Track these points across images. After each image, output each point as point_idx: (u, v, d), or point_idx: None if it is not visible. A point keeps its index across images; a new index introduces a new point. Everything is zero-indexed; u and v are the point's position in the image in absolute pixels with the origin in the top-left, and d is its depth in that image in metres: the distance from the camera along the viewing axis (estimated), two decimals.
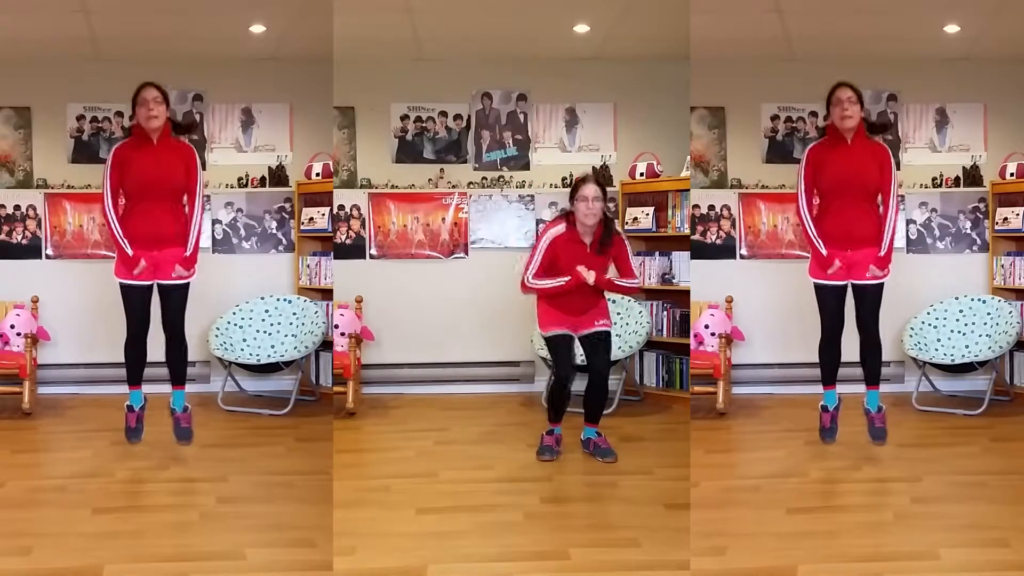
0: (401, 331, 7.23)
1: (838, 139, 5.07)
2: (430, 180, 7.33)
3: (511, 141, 7.37)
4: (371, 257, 7.32)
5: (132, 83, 7.14)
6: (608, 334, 5.36)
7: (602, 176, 7.24)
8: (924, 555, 3.91)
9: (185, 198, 5.18)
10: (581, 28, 6.80)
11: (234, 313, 7.00)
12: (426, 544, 4.06)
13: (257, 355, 6.80)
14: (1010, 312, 6.72)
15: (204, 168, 7.33)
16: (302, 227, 7.17)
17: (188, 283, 5.18)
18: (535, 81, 7.36)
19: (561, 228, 5.26)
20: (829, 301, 5.11)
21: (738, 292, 7.03)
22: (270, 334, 6.94)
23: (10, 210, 7.19)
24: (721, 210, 7.23)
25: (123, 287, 5.11)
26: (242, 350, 6.85)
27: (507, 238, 7.28)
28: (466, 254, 7.32)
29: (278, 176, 7.37)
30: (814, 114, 7.25)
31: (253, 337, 6.94)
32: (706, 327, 6.76)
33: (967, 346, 6.71)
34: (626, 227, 7.17)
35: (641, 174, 7.11)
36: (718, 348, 6.54)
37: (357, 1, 6.13)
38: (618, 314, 6.87)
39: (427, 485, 4.92)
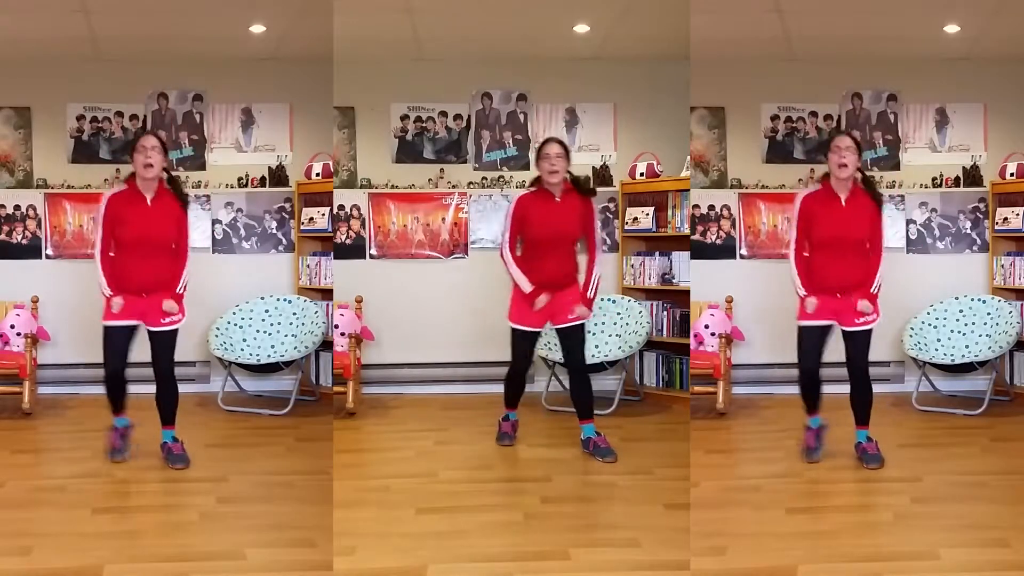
0: (401, 331, 7.24)
1: (832, 195, 5.08)
2: (430, 180, 7.34)
3: (511, 141, 7.37)
4: (371, 257, 7.32)
5: (132, 83, 7.24)
6: (583, 327, 5.43)
7: (599, 178, 7.25)
8: (924, 555, 3.91)
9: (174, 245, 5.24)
10: (581, 28, 6.80)
11: (234, 313, 7.01)
12: (426, 544, 4.06)
13: (257, 355, 6.80)
14: (1010, 312, 6.72)
15: (204, 168, 7.36)
16: (302, 227, 7.17)
17: (176, 328, 5.22)
18: (535, 81, 7.36)
19: (529, 190, 5.44)
20: (811, 340, 5.13)
21: (738, 292, 7.03)
22: (270, 334, 6.94)
23: (10, 210, 7.19)
24: (721, 210, 7.23)
25: (106, 329, 5.12)
26: (242, 350, 6.85)
27: None
28: (466, 254, 7.32)
29: (278, 176, 7.37)
30: (814, 114, 7.25)
31: (253, 337, 6.94)
32: (706, 327, 6.76)
33: (967, 346, 6.71)
34: (626, 227, 7.17)
35: (641, 174, 7.11)
36: (718, 348, 6.54)
37: (357, 1, 6.13)
38: (618, 314, 6.87)
39: (427, 485, 4.92)
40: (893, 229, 7.20)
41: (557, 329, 5.46)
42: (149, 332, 5.19)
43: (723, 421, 6.31)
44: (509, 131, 7.36)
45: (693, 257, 6.92)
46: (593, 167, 7.37)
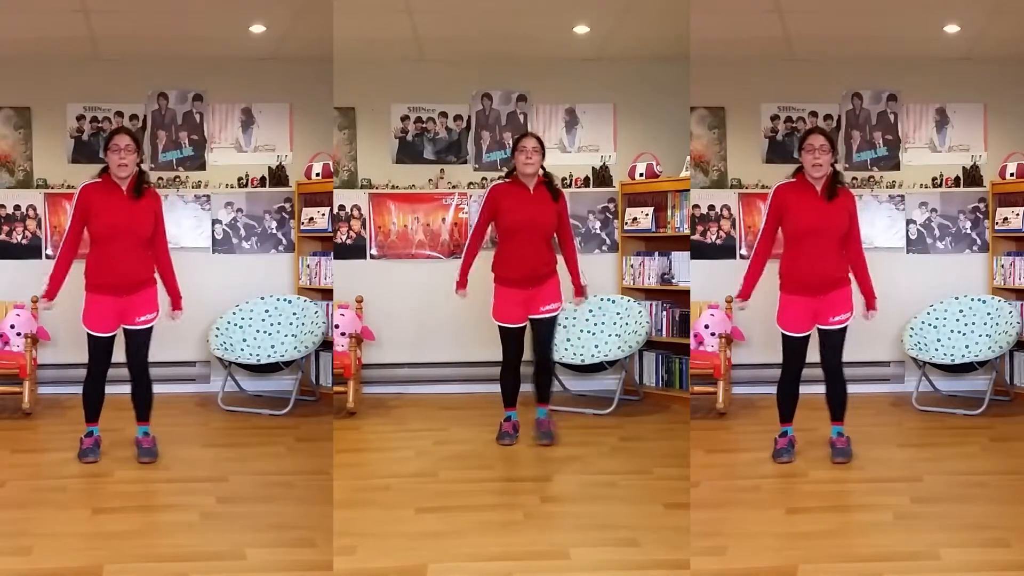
0: (401, 331, 7.23)
1: (807, 185, 5.12)
2: (430, 180, 7.33)
3: (511, 142, 7.36)
4: (371, 257, 7.32)
5: (132, 83, 7.24)
6: (555, 320, 5.70)
7: (604, 174, 7.25)
8: (924, 555, 3.91)
9: (153, 244, 5.29)
10: (581, 28, 6.80)
11: (234, 313, 7.00)
12: (426, 544, 4.06)
13: (257, 355, 6.80)
14: (1010, 312, 6.72)
15: (204, 168, 7.36)
16: (302, 227, 7.17)
17: (152, 326, 5.28)
18: (535, 81, 7.36)
19: (504, 180, 5.64)
20: (793, 348, 5.21)
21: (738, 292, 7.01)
22: (270, 334, 6.94)
23: (10, 210, 7.19)
24: (721, 210, 7.23)
25: (90, 335, 5.24)
26: (242, 350, 6.85)
27: None
28: None
29: (278, 176, 7.37)
30: (814, 114, 7.25)
31: (253, 337, 6.94)
32: (706, 327, 6.76)
33: (967, 346, 6.71)
34: (625, 227, 7.17)
35: (641, 174, 7.11)
36: (718, 348, 6.54)
37: (357, 1, 6.13)
38: (617, 314, 6.87)
39: (427, 485, 4.92)
40: (893, 229, 7.21)
41: (531, 319, 5.63)
42: (125, 330, 5.24)
43: (723, 421, 6.31)
44: (509, 132, 7.36)
45: (693, 257, 6.92)
46: (593, 167, 7.37)
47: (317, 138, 7.22)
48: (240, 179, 7.34)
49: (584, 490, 4.89)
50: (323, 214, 7.05)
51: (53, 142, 7.23)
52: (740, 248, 7.22)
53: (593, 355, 6.71)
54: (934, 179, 7.29)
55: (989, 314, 6.81)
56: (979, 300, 6.91)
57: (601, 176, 7.36)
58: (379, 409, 6.69)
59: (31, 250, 7.20)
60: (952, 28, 6.67)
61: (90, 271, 5.20)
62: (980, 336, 6.74)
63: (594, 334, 6.87)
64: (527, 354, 5.73)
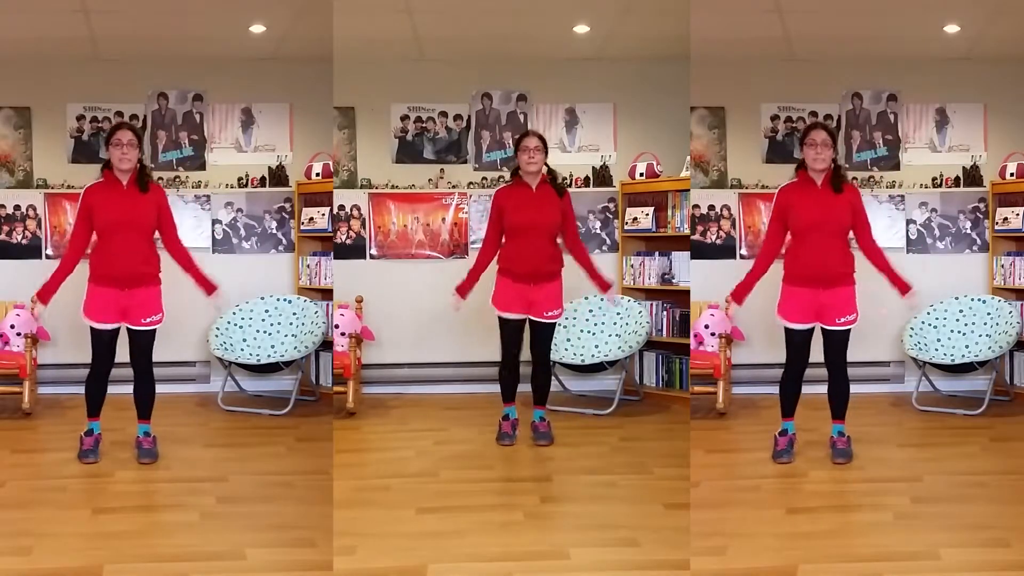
0: (401, 331, 7.23)
1: (809, 181, 5.15)
2: (430, 180, 7.33)
3: (511, 141, 7.37)
4: (371, 257, 7.32)
5: (132, 83, 7.24)
6: (554, 325, 5.71)
7: (604, 174, 7.26)
8: (924, 555, 3.91)
9: (163, 238, 5.31)
10: (581, 28, 6.80)
11: (234, 313, 7.00)
12: (426, 544, 4.06)
13: (257, 355, 6.80)
14: (1010, 312, 6.72)
15: (204, 168, 7.36)
16: (302, 227, 7.17)
17: (156, 329, 5.27)
18: (535, 81, 7.36)
19: (507, 184, 5.71)
20: (795, 341, 5.22)
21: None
22: (270, 334, 6.94)
23: (10, 210, 7.19)
24: (721, 210, 7.23)
25: (92, 329, 5.23)
26: (242, 350, 6.85)
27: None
28: (466, 254, 7.32)
29: (278, 176, 7.37)
30: (814, 114, 7.25)
31: (253, 337, 6.94)
32: (706, 327, 6.76)
33: (967, 346, 6.71)
34: (626, 227, 7.17)
35: (641, 174, 7.11)
36: (718, 348, 6.54)
37: (357, 1, 6.13)
38: (618, 314, 6.87)
39: (427, 485, 4.92)
40: (893, 229, 7.21)
41: (531, 321, 5.64)
42: (129, 330, 5.23)
43: (723, 421, 6.31)
44: (509, 131, 7.36)
45: (693, 257, 6.92)
46: (593, 167, 7.37)
47: (317, 138, 7.22)
48: (240, 179, 7.34)
49: (584, 490, 4.89)
50: (323, 214, 7.05)
51: (53, 142, 7.23)
52: (740, 248, 7.22)
53: (593, 355, 6.71)
54: (934, 179, 7.29)
55: (989, 314, 6.81)
56: (979, 300, 6.91)
57: (601, 176, 7.36)
58: (379, 409, 6.69)
59: (31, 250, 7.20)
60: (952, 28, 6.67)
61: (93, 263, 5.22)
62: (980, 336, 6.74)
63: (594, 334, 6.87)
64: (524, 354, 5.73)
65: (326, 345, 6.83)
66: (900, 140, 7.31)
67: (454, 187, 7.33)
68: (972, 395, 6.72)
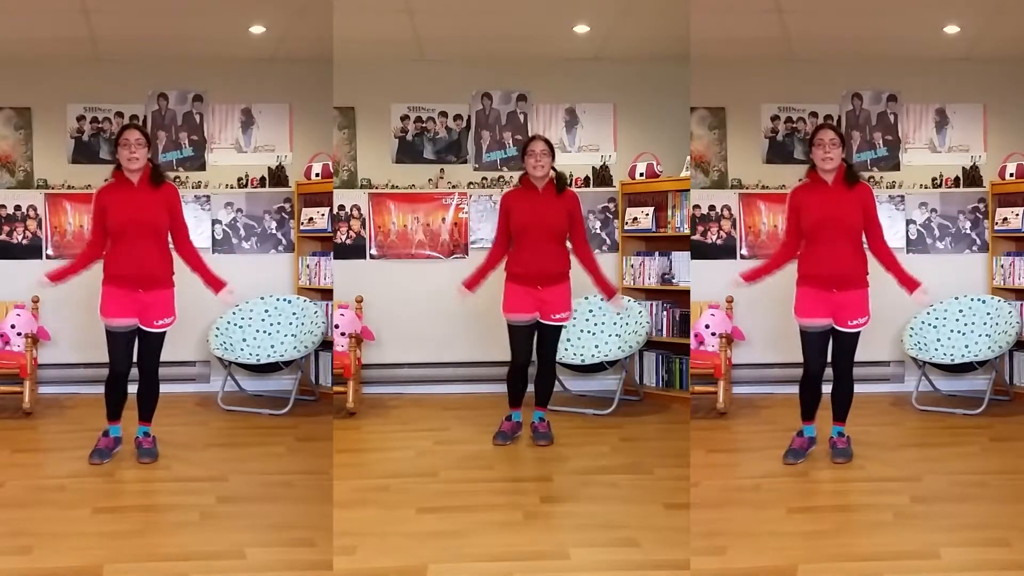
0: (401, 331, 7.23)
1: (819, 181, 5.15)
2: (430, 180, 7.34)
3: (511, 141, 7.37)
4: (371, 257, 7.32)
5: (132, 83, 7.24)
6: (561, 328, 5.73)
7: (604, 174, 7.26)
8: (924, 555, 3.91)
9: (173, 238, 5.29)
10: (581, 28, 6.80)
11: (234, 313, 7.00)
12: (426, 544, 4.06)
13: (257, 355, 6.80)
14: (1010, 312, 6.72)
15: (204, 168, 7.36)
16: (302, 227, 7.17)
17: (166, 331, 5.26)
18: (535, 81, 7.36)
19: (514, 187, 5.71)
20: (813, 345, 5.19)
21: (738, 292, 7.02)
22: (270, 334, 6.94)
23: (10, 210, 7.19)
24: (721, 210, 7.23)
25: (108, 330, 5.18)
26: (242, 350, 6.85)
27: None
28: (466, 254, 7.32)
29: (278, 176, 7.37)
30: (814, 114, 7.25)
31: (253, 337, 6.94)
32: (706, 327, 6.76)
33: (967, 346, 6.71)
34: (626, 227, 7.17)
35: (641, 174, 7.12)
36: (718, 348, 6.54)
37: (357, 1, 6.13)
38: (618, 314, 6.87)
39: (427, 485, 4.92)
40: (893, 229, 7.20)
41: (539, 323, 5.64)
42: (140, 331, 5.22)
43: (723, 421, 6.31)
44: (509, 131, 7.36)
45: (693, 257, 6.92)
46: (593, 167, 7.37)
47: (317, 138, 7.22)
48: (240, 179, 7.34)
49: (584, 490, 4.89)
50: (323, 214, 7.05)
51: (53, 142, 7.23)
52: (740, 248, 7.22)
53: (593, 355, 6.72)
54: (934, 179, 7.29)
55: (989, 314, 6.81)
56: (979, 300, 6.91)
57: (601, 176, 7.36)
58: (379, 409, 6.69)
59: (31, 250, 7.20)
60: (952, 28, 6.67)
61: (107, 264, 5.21)
62: (980, 336, 6.74)
63: (594, 334, 6.87)
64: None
65: (326, 345, 6.83)
66: (900, 140, 7.31)
67: (454, 187, 7.33)
68: (972, 395, 6.72)
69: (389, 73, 7.28)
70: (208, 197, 7.30)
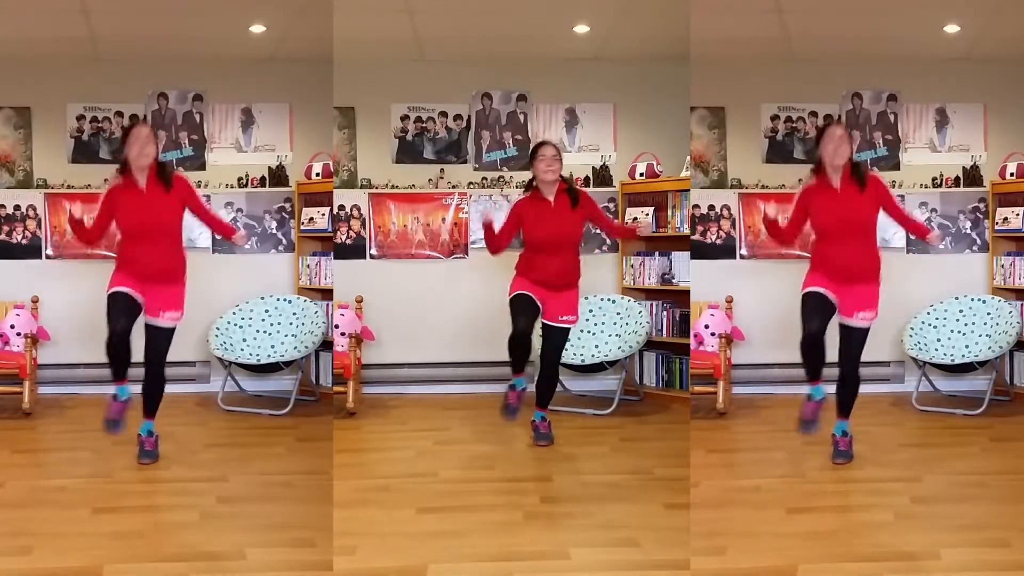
0: (401, 331, 7.23)
1: (826, 182, 5.10)
2: (430, 180, 7.34)
3: (511, 141, 7.37)
4: (371, 257, 7.32)
5: (132, 83, 7.24)
6: (568, 331, 5.65)
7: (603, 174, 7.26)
8: (924, 555, 3.91)
9: (205, 224, 5.38)
10: (581, 28, 6.80)
11: (234, 313, 7.01)
12: (426, 544, 4.06)
13: (257, 355, 6.80)
14: (1010, 312, 6.72)
15: (204, 168, 7.36)
16: (302, 227, 7.17)
17: (174, 328, 5.22)
18: (535, 81, 7.36)
19: (525, 195, 5.62)
20: (813, 304, 5.08)
21: (738, 292, 7.03)
22: (270, 334, 6.94)
23: (10, 210, 7.19)
24: (721, 210, 7.23)
25: (108, 296, 5.09)
26: (242, 350, 6.85)
27: None
28: (466, 254, 7.32)
29: (278, 176, 7.37)
30: (814, 114, 7.25)
31: (253, 337, 6.94)
32: (706, 327, 6.76)
33: (967, 346, 6.71)
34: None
35: (641, 174, 7.12)
36: (718, 348, 6.54)
37: (357, 1, 6.13)
38: (617, 314, 6.87)
39: (427, 485, 4.92)
40: (893, 229, 7.20)
41: (544, 324, 5.61)
42: (147, 326, 5.17)
43: (723, 421, 6.31)
44: (509, 131, 7.36)
45: (693, 257, 6.92)
46: (593, 167, 7.37)
47: (317, 138, 7.22)
48: (240, 179, 7.34)
49: (584, 490, 4.89)
50: (323, 214, 7.05)
51: (53, 142, 7.23)
52: (740, 248, 7.22)
53: (593, 355, 6.72)
54: (934, 179, 7.29)
55: (989, 314, 6.81)
56: (979, 300, 6.91)
57: (601, 176, 7.36)
58: (379, 409, 6.69)
59: (31, 250, 7.20)
60: (952, 28, 6.67)
61: (119, 259, 5.17)
62: (980, 336, 6.74)
63: (594, 334, 6.87)
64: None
65: (326, 345, 6.83)
66: (900, 140, 7.31)
67: (454, 187, 7.33)
68: (972, 395, 6.72)
69: (389, 73, 7.28)
70: (208, 197, 7.26)
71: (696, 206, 7.16)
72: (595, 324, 6.91)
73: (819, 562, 3.85)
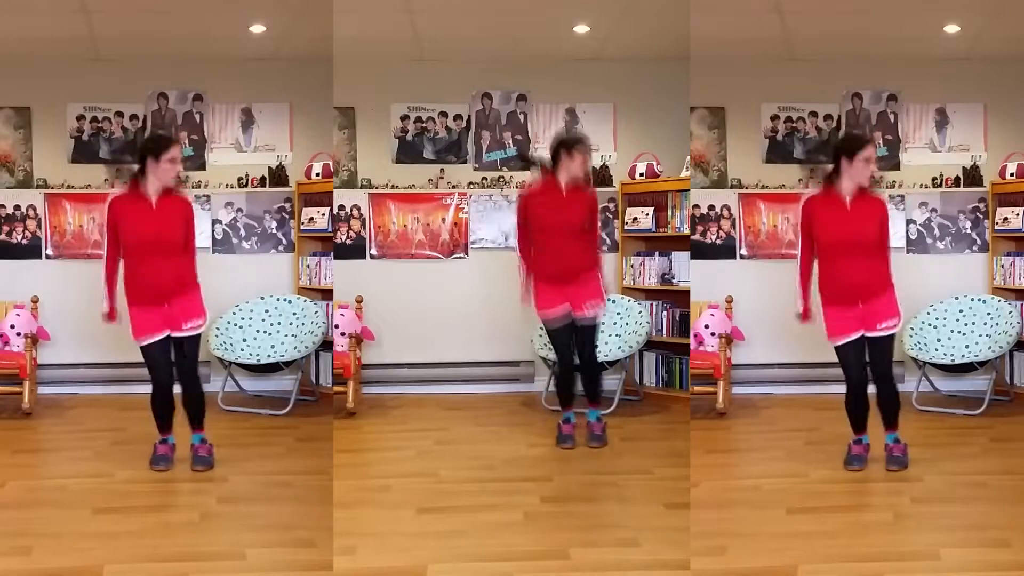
0: (401, 331, 7.23)
1: (835, 197, 4.99)
2: (430, 180, 7.33)
3: (511, 141, 7.37)
4: (371, 257, 7.32)
5: (132, 83, 7.24)
6: (595, 321, 5.62)
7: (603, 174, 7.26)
8: (924, 555, 3.91)
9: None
10: (581, 28, 6.80)
11: (234, 313, 7.00)
12: (426, 544, 4.06)
13: (257, 355, 6.80)
14: (1010, 312, 6.72)
15: (204, 168, 7.36)
16: (302, 227, 7.17)
17: (200, 333, 5.13)
18: (535, 81, 7.36)
19: (534, 185, 5.60)
20: (849, 357, 5.06)
21: (738, 292, 7.03)
22: (270, 334, 6.94)
23: (10, 210, 7.19)
24: (721, 210, 7.23)
25: (143, 348, 5.04)
26: (242, 350, 6.85)
27: (507, 238, 7.26)
28: (466, 254, 7.32)
29: (278, 176, 7.37)
30: (814, 114, 7.25)
31: (253, 337, 6.94)
32: (706, 327, 6.76)
33: (967, 346, 6.71)
34: (625, 227, 7.18)
35: (641, 174, 7.12)
36: (718, 348, 6.54)
37: (357, 1, 6.13)
38: (617, 314, 6.87)
39: (427, 485, 4.92)
40: (893, 229, 7.17)
41: (574, 321, 5.57)
42: (173, 339, 5.07)
43: (723, 421, 6.31)
44: (509, 131, 7.36)
45: (693, 257, 6.92)
46: (593, 167, 7.37)
47: (317, 138, 7.22)
48: (240, 179, 7.34)
49: (584, 490, 4.89)
50: (323, 214, 7.05)
51: (53, 142, 7.23)
52: (740, 248, 7.22)
53: None
54: (934, 179, 7.29)
55: (989, 314, 6.81)
56: (979, 300, 6.91)
57: (601, 176, 7.35)
58: (379, 409, 6.69)
59: (31, 250, 7.20)
60: (952, 28, 6.67)
61: (129, 286, 5.03)
62: (980, 336, 6.74)
63: None
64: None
65: (326, 345, 6.83)
66: (900, 140, 7.31)
67: (454, 187, 7.33)
68: (972, 395, 6.72)
69: (389, 73, 7.28)
70: (208, 197, 7.29)
71: (696, 206, 7.16)
72: None
73: (819, 562, 3.85)
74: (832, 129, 7.20)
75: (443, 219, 7.33)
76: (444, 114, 7.37)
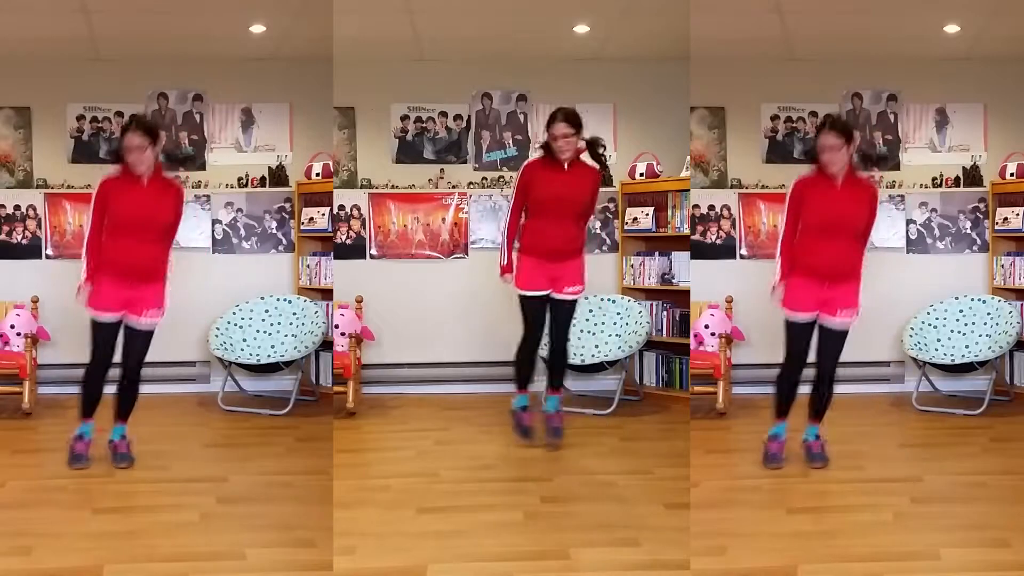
0: (401, 331, 7.23)
1: (826, 179, 4.99)
2: (430, 180, 7.34)
3: (511, 141, 7.37)
4: (371, 257, 7.32)
5: (132, 83, 7.24)
6: (575, 303, 5.54)
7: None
8: (924, 555, 3.91)
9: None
10: (581, 28, 6.80)
11: (234, 313, 7.01)
12: (426, 544, 4.06)
13: (257, 355, 6.80)
14: (1010, 312, 6.72)
15: (204, 168, 7.36)
16: (302, 227, 7.17)
17: (154, 330, 5.13)
18: (535, 81, 7.36)
19: (538, 156, 5.47)
20: (795, 331, 5.05)
21: (738, 292, 7.03)
22: (270, 334, 6.94)
23: (10, 210, 7.19)
24: (721, 210, 7.23)
25: (93, 321, 5.07)
26: (242, 350, 6.85)
27: None
28: (466, 254, 7.32)
29: (278, 176, 7.37)
30: (814, 114, 7.24)
31: (253, 337, 6.94)
32: (706, 327, 6.76)
33: (967, 346, 6.71)
34: (626, 227, 7.18)
35: (641, 174, 7.12)
36: (718, 348, 6.54)
37: (357, 1, 6.13)
38: (617, 314, 6.87)
39: (427, 485, 4.92)
40: (893, 229, 7.21)
41: (551, 299, 5.50)
42: (127, 327, 5.09)
43: (723, 421, 6.31)
44: (509, 131, 7.36)
45: (693, 257, 6.92)
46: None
47: (317, 138, 7.23)
48: (240, 179, 7.34)
49: (584, 490, 4.89)
50: (323, 214, 7.05)
51: (53, 142, 7.23)
52: (740, 248, 7.22)
53: (593, 355, 6.71)
54: (934, 179, 7.29)
55: (989, 314, 6.81)
56: (979, 300, 6.91)
57: (601, 176, 7.34)
58: (379, 409, 6.69)
59: (31, 250, 7.20)
60: (952, 28, 6.68)
61: (104, 257, 5.03)
62: (980, 336, 6.74)
63: (594, 334, 6.87)
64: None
65: (326, 345, 6.83)
66: (900, 140, 7.31)
67: (454, 187, 7.33)
68: (972, 395, 6.72)
69: (389, 73, 7.28)
70: (208, 197, 7.30)
71: (696, 206, 7.16)
72: (595, 324, 6.91)
73: (819, 562, 3.85)
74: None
75: (443, 219, 7.33)
76: (444, 114, 7.37)
